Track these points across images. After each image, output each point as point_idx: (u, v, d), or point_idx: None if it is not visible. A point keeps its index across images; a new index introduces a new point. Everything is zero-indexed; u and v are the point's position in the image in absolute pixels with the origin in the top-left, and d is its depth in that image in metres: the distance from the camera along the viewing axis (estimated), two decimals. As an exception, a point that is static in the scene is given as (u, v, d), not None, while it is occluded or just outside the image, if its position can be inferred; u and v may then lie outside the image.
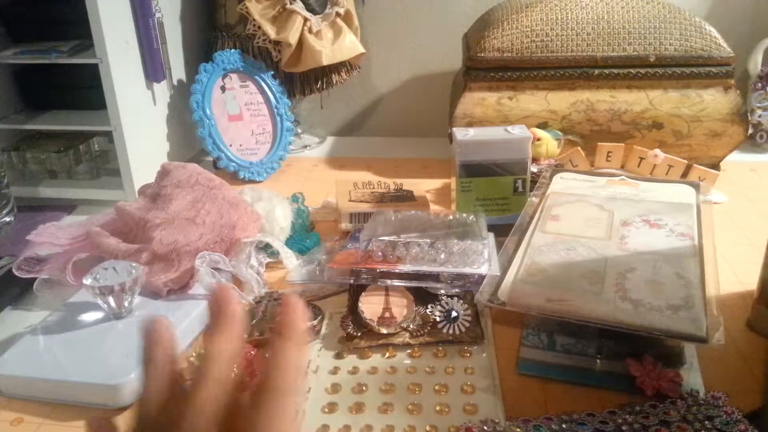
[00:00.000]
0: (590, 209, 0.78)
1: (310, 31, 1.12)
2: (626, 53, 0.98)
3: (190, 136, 1.13)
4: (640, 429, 0.50)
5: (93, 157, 1.07)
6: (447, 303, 0.66)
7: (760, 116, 1.14)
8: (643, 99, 1.00)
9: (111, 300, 0.65)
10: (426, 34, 1.32)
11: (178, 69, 1.12)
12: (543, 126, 1.01)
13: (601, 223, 0.75)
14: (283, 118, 1.15)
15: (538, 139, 0.93)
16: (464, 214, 0.76)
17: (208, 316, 0.34)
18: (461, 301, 0.66)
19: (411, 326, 0.64)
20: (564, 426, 0.51)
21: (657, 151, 0.94)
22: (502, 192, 0.82)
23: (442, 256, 0.68)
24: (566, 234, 0.73)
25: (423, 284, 0.68)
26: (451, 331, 0.64)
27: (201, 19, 1.20)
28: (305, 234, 0.86)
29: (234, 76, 1.12)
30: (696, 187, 0.82)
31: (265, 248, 0.79)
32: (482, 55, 1.00)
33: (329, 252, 0.79)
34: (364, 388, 0.58)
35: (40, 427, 0.56)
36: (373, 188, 0.95)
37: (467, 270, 0.67)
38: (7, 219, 0.90)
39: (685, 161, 0.92)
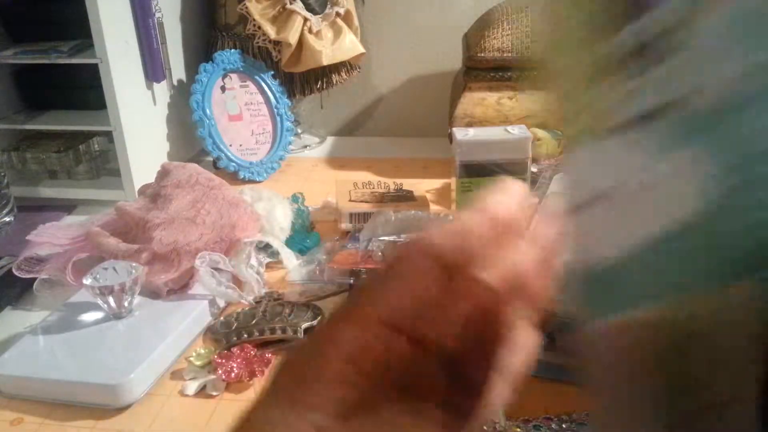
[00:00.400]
0: (590, 209, 0.78)
1: (310, 31, 1.12)
2: (626, 53, 0.98)
3: (190, 136, 1.13)
4: (640, 429, 0.50)
5: (93, 157, 1.07)
6: (447, 303, 0.66)
7: (760, 116, 1.14)
8: (643, 99, 1.00)
9: (111, 300, 0.65)
10: (426, 34, 1.31)
11: (178, 69, 1.12)
12: (543, 126, 1.01)
13: (601, 223, 0.75)
14: (283, 118, 1.15)
15: (538, 139, 0.93)
16: (464, 214, 0.76)
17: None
18: (461, 301, 0.66)
19: (411, 326, 0.64)
20: (564, 426, 0.51)
21: (657, 151, 0.94)
22: (502, 192, 0.82)
23: (442, 256, 0.68)
24: (566, 234, 0.73)
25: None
26: (451, 331, 0.63)
27: (201, 19, 1.20)
28: (305, 234, 0.85)
29: (234, 76, 1.12)
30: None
31: (265, 248, 0.79)
32: (482, 55, 1.00)
33: (329, 252, 0.79)
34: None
35: (40, 427, 0.56)
36: (373, 188, 0.95)
37: (467, 270, 0.67)
38: (7, 219, 0.90)
39: (685, 161, 0.92)
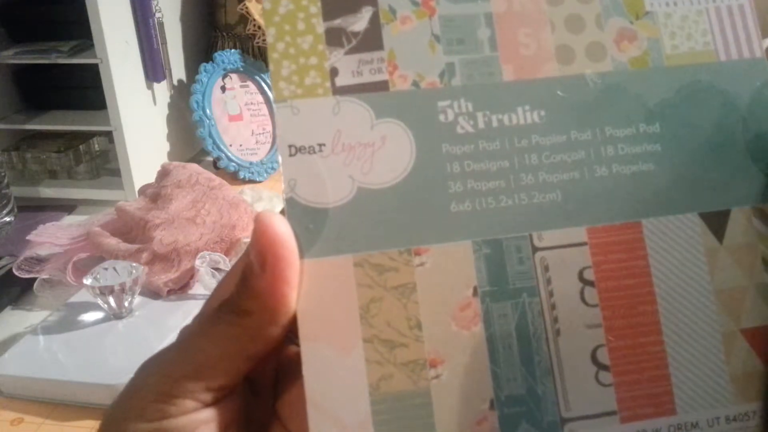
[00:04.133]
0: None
1: (310, 31, 1.12)
2: (626, 53, 0.98)
3: (190, 136, 1.13)
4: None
5: (93, 157, 1.07)
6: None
7: (760, 116, 1.14)
8: (643, 99, 1.00)
9: (111, 300, 0.65)
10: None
11: (178, 69, 1.12)
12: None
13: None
14: (283, 118, 1.15)
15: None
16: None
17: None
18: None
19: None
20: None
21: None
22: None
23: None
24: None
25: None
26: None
27: (201, 19, 1.20)
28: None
29: (234, 76, 1.12)
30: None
31: (265, 248, 0.79)
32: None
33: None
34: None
35: (40, 427, 0.56)
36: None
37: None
38: (8, 219, 0.90)
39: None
